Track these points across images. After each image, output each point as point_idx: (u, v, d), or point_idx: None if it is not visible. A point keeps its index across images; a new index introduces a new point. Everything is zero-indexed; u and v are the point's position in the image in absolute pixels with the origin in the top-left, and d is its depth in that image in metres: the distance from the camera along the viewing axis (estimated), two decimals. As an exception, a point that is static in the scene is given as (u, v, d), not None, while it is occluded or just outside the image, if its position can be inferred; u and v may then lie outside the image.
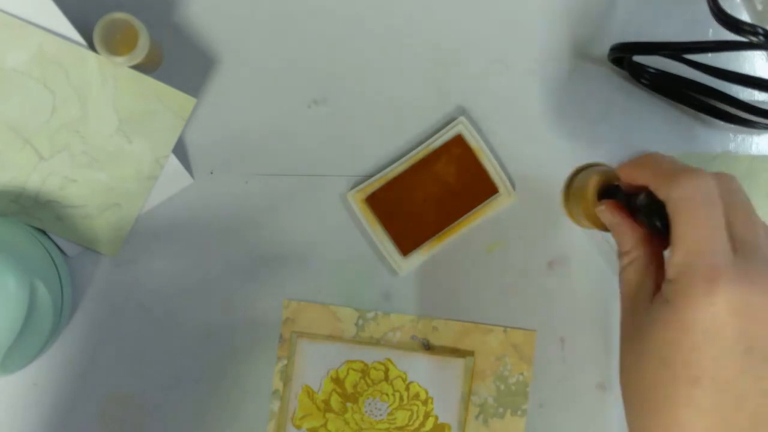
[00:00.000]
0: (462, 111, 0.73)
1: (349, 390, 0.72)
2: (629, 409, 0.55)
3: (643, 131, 0.73)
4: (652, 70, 0.71)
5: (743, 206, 0.53)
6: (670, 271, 0.52)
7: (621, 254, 0.58)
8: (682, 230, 0.51)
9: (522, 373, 0.72)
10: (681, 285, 0.51)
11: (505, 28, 0.73)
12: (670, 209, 0.52)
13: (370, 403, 0.72)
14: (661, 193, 0.53)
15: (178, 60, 0.72)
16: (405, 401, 0.72)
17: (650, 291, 0.55)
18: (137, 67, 0.67)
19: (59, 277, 0.68)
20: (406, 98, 0.73)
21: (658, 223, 0.54)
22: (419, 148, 0.72)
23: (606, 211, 0.60)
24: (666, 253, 0.55)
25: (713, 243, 0.50)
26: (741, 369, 0.50)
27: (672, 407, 0.52)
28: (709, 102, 0.71)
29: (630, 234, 0.58)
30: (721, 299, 0.49)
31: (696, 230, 0.51)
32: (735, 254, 0.50)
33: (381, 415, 0.72)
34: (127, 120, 0.69)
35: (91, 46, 0.66)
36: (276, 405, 0.72)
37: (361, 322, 0.72)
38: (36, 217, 0.69)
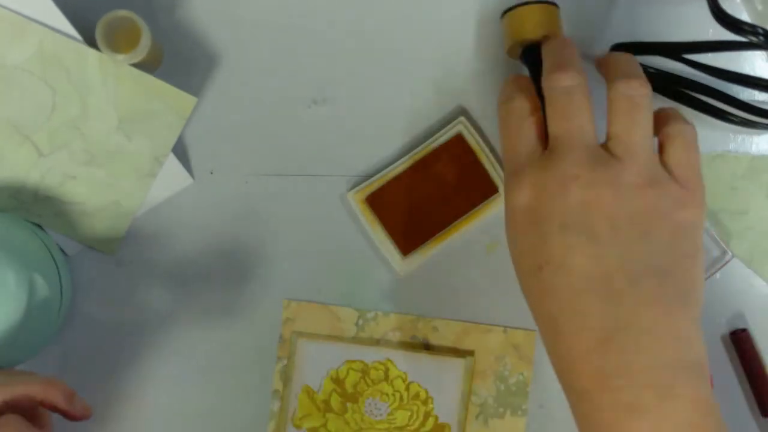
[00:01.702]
0: (462, 111, 0.73)
1: (349, 390, 0.71)
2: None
3: (643, 131, 0.73)
4: (652, 70, 0.71)
5: (556, 100, 0.60)
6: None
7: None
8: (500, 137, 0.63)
9: (522, 373, 0.72)
10: (502, 181, 0.64)
11: (506, 28, 0.73)
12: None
13: (370, 403, 0.71)
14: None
15: (179, 59, 0.72)
16: (405, 401, 0.71)
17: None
18: (138, 66, 0.67)
19: (59, 274, 0.67)
20: (406, 98, 0.73)
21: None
22: (419, 148, 0.72)
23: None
24: None
25: (514, 144, 0.61)
26: (566, 248, 0.56)
27: (536, 300, 0.59)
28: (709, 102, 0.71)
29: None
30: (525, 186, 0.58)
31: (503, 136, 0.63)
32: (544, 151, 0.59)
33: (381, 415, 0.71)
34: (127, 118, 0.69)
35: (93, 44, 0.66)
36: (276, 405, 0.72)
37: (361, 322, 0.72)
38: (35, 213, 0.69)
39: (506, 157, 0.61)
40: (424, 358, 0.72)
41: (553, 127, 0.59)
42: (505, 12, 0.68)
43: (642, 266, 0.55)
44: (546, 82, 0.60)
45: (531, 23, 0.67)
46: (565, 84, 0.58)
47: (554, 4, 0.68)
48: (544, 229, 0.57)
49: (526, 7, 0.67)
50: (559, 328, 0.57)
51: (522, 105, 0.61)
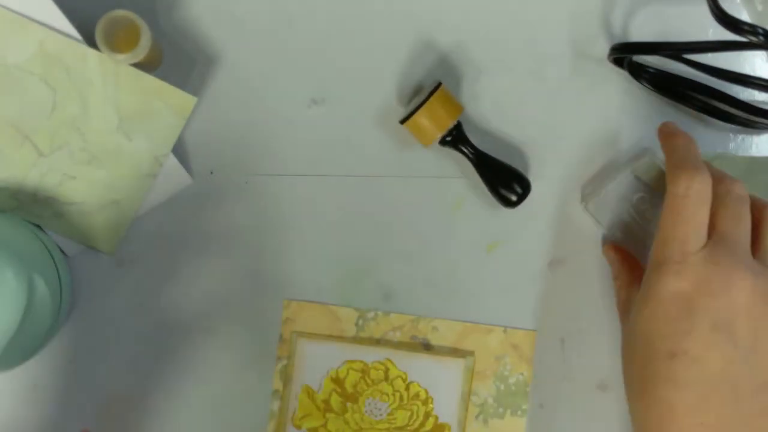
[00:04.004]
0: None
1: (349, 390, 0.71)
2: (628, 397, 0.62)
3: (643, 131, 0.73)
4: (652, 70, 0.71)
5: (731, 204, 0.61)
6: (651, 258, 0.61)
7: (614, 279, 0.70)
8: (664, 221, 0.61)
9: (522, 373, 0.72)
10: (657, 265, 0.60)
11: (505, 28, 0.73)
12: (665, 201, 0.61)
13: (370, 403, 0.71)
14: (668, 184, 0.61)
15: (179, 59, 0.72)
16: (405, 401, 0.71)
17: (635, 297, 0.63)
18: (138, 66, 0.67)
19: (58, 274, 0.67)
20: (406, 98, 0.73)
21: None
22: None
23: (609, 251, 0.70)
24: None
25: (686, 233, 0.59)
26: (709, 345, 0.57)
27: (654, 383, 0.58)
28: (709, 102, 0.71)
29: (619, 265, 0.69)
30: (689, 275, 0.58)
31: (675, 222, 0.60)
32: (708, 241, 0.59)
33: (381, 415, 0.71)
34: (127, 118, 0.69)
35: (93, 44, 0.66)
36: (276, 405, 0.72)
37: (361, 322, 0.72)
38: (34, 213, 0.69)
39: (671, 238, 0.60)
40: (424, 358, 0.72)
41: (724, 226, 0.60)
42: (402, 122, 0.69)
43: (764, 379, 0.58)
44: (721, 186, 0.61)
45: (435, 121, 0.68)
46: (741, 193, 0.61)
47: (438, 85, 0.68)
48: (695, 320, 0.57)
49: (418, 112, 0.67)
50: (674, 417, 0.57)
51: (703, 189, 0.60)
